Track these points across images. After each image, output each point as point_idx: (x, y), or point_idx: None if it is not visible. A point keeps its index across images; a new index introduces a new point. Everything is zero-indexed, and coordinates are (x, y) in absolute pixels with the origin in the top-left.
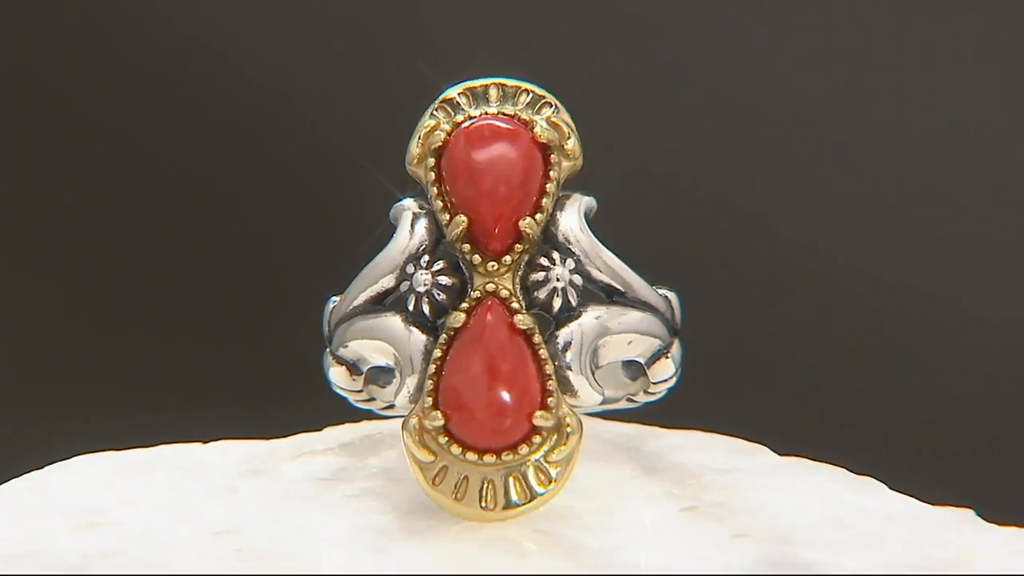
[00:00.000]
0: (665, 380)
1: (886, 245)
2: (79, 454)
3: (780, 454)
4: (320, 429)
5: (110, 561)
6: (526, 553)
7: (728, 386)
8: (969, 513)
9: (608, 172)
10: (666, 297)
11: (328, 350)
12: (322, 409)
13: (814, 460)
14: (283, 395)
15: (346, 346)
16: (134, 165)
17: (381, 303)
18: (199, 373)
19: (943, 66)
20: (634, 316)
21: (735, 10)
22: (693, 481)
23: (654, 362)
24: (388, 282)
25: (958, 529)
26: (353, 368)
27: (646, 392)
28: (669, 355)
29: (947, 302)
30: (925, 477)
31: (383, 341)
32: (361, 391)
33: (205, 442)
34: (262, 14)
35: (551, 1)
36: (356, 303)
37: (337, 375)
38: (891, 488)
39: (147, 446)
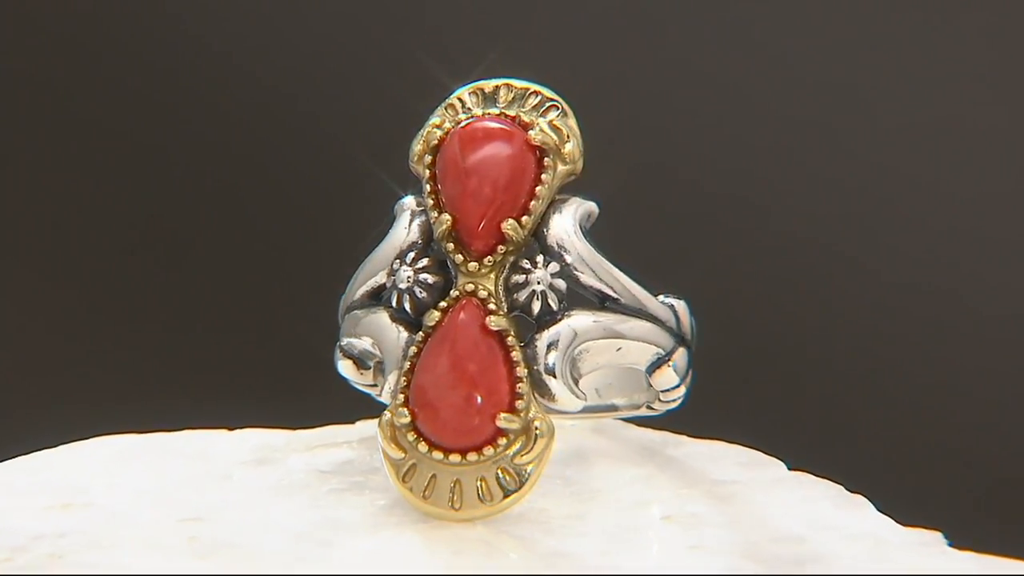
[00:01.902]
0: (668, 389)
1: (902, 246)
2: (100, 435)
3: (791, 468)
4: (353, 422)
5: (60, 541)
6: (467, 553)
7: (761, 396)
8: (936, 536)
9: (625, 178)
10: (672, 306)
11: (338, 343)
12: (367, 402)
13: (818, 476)
14: (333, 385)
15: (350, 339)
16: (169, 162)
17: (377, 298)
18: (251, 359)
19: (951, 65)
20: (624, 323)
21: (756, 16)
22: (685, 491)
23: (654, 370)
24: (381, 278)
25: (915, 551)
26: (360, 362)
27: (660, 401)
28: (670, 364)
29: (979, 313)
30: (930, 499)
31: (372, 336)
32: (375, 385)
33: (232, 428)
34: (275, 15)
35: (567, 3)
36: (355, 297)
37: (344, 368)
38: (878, 508)
39: (173, 430)
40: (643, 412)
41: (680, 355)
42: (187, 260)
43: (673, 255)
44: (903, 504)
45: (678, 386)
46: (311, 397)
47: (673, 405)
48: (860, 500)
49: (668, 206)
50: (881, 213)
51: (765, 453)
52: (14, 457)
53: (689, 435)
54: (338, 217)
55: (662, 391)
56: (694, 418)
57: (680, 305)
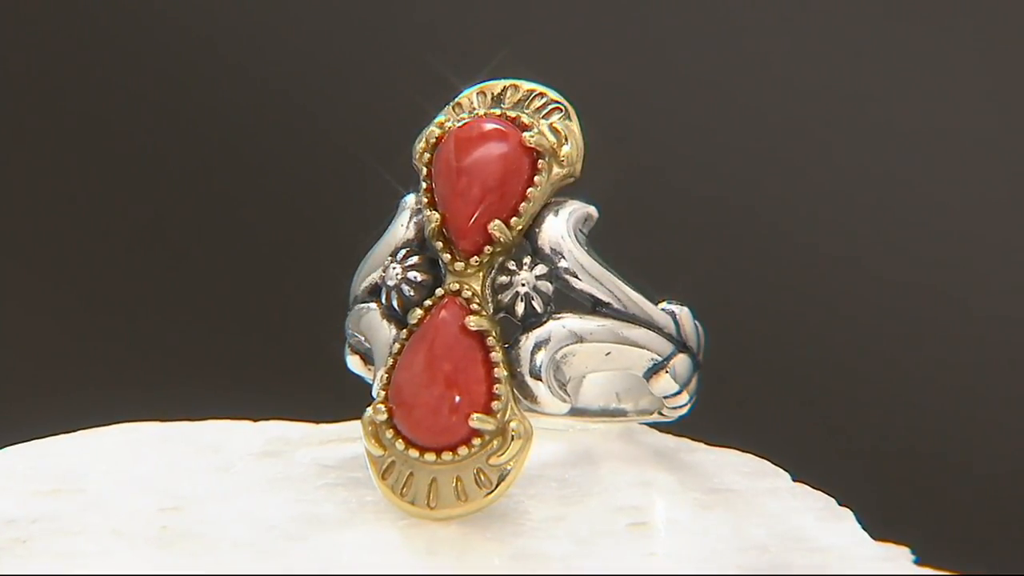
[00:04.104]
0: (670, 395)
1: (903, 248)
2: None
3: (795, 479)
4: None
5: (31, 527)
6: (468, 548)
7: (778, 402)
8: (903, 551)
9: (630, 181)
10: (673, 312)
11: (347, 338)
12: None
13: (814, 488)
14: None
15: (353, 334)
16: (198, 155)
17: (375, 295)
18: (288, 350)
19: (948, 69)
20: (615, 327)
21: (758, 22)
22: (675, 498)
23: (651, 376)
24: (377, 275)
25: (874, 566)
26: (366, 357)
27: (666, 407)
28: (667, 370)
29: (997, 320)
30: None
31: (363, 333)
32: None
33: (256, 420)
34: (282, 13)
35: (574, 7)
36: (356, 293)
37: (352, 363)
38: (859, 522)
39: (197, 419)
40: (655, 418)
41: (680, 362)
42: (232, 249)
43: (677, 260)
44: (909, 517)
45: (679, 393)
46: (346, 391)
47: (680, 412)
48: (845, 513)
49: (671, 210)
50: (882, 217)
51: (772, 462)
52: (28, 440)
53: (707, 443)
54: (369, 209)
55: (664, 397)
56: (716, 424)
57: (683, 311)
